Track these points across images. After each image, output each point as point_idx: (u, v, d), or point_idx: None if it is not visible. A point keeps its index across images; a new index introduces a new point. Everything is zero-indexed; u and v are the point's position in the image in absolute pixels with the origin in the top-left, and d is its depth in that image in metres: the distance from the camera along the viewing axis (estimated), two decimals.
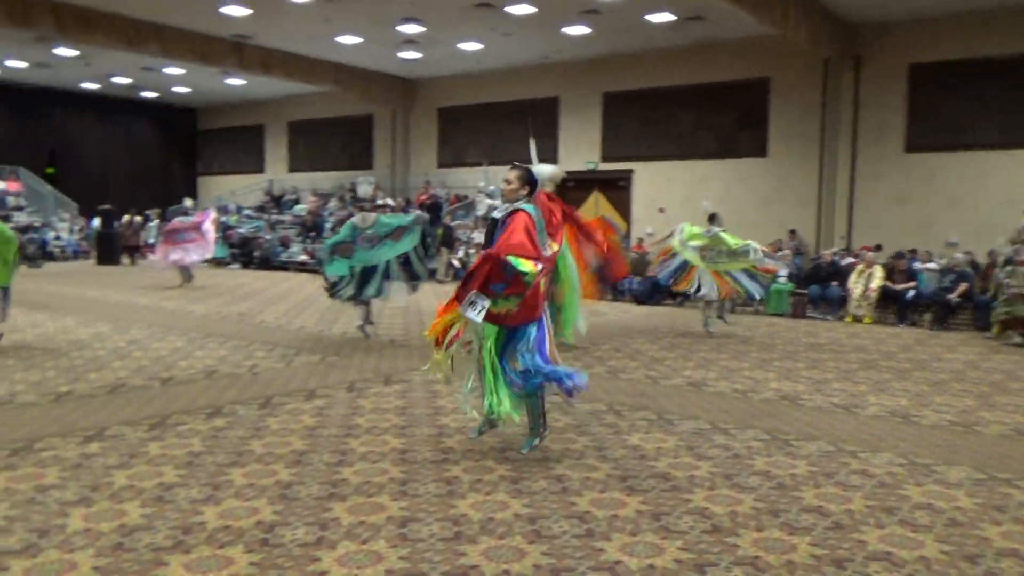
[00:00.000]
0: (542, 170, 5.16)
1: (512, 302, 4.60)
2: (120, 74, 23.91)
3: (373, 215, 9.47)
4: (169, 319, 11.04)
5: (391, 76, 22.46)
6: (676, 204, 18.72)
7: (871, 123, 16.01)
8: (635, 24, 16.24)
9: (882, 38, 15.70)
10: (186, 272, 15.83)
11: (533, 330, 4.78)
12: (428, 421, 5.74)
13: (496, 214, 5.05)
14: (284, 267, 21.52)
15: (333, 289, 9.43)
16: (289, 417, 5.77)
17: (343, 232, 9.35)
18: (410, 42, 18.47)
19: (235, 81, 24.10)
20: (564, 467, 4.73)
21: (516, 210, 4.79)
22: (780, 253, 14.30)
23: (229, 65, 19.25)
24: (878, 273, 12.56)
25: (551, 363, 4.81)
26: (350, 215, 22.28)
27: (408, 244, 9.20)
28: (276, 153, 27.85)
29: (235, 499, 4.08)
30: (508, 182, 4.96)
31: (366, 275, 9.17)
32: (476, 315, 4.48)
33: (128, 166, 29.05)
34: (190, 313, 11.76)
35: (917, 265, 13.14)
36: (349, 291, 9.30)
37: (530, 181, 4.93)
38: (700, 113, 18.31)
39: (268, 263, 21.69)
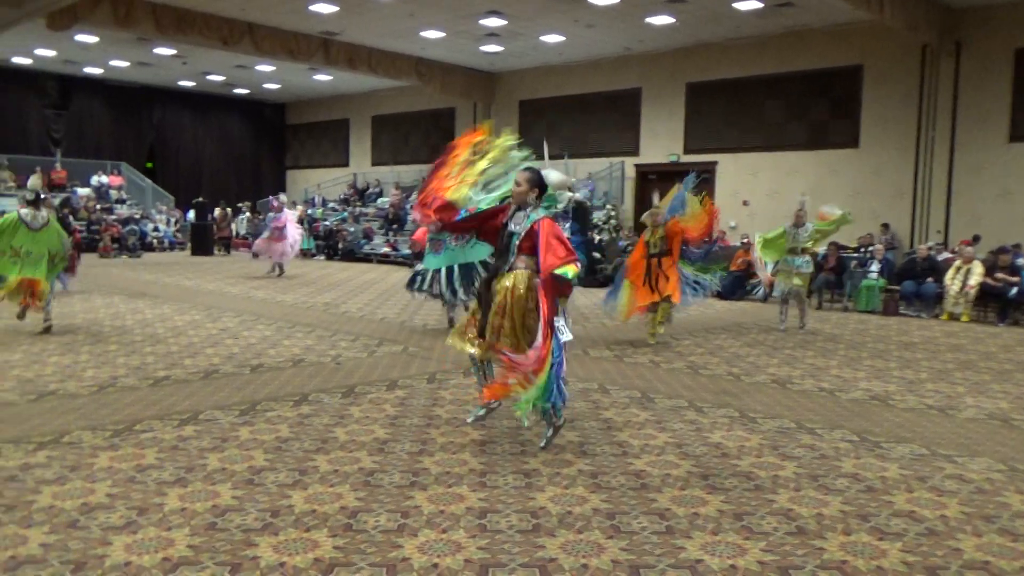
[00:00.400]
0: (549, 175, 5.30)
1: (562, 304, 4.83)
2: (215, 72, 24.85)
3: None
4: (258, 308, 11.43)
5: (473, 69, 22.62)
6: (762, 197, 18.27)
7: (972, 111, 15.24)
8: (722, 12, 15.88)
9: (985, 22, 14.90)
10: (279, 266, 16.44)
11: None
12: (507, 413, 5.77)
13: (513, 226, 5.01)
14: (367, 259, 21.99)
15: (411, 283, 9.71)
16: (372, 406, 5.90)
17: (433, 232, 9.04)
18: (492, 35, 18.55)
19: (322, 77, 24.72)
20: (643, 463, 4.69)
21: (540, 219, 4.85)
22: (873, 248, 13.80)
23: (317, 61, 19.77)
24: (977, 269, 11.96)
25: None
26: None
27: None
28: (360, 147, 28.45)
29: (320, 484, 4.20)
30: (518, 184, 4.99)
31: (450, 273, 9.15)
32: (565, 336, 4.72)
33: (220, 160, 30.21)
34: (278, 303, 12.15)
35: (1020, 261, 12.44)
36: (428, 288, 9.45)
37: (539, 184, 4.99)
38: (789, 103, 17.78)
39: (352, 255, 22.21)
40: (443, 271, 9.15)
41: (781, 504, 4.08)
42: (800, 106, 17.63)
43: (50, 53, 22.31)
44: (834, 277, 13.72)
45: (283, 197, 18.72)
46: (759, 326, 10.92)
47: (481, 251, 8.55)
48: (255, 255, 17.80)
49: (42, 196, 8.97)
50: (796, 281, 10.35)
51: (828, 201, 17.06)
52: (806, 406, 6.26)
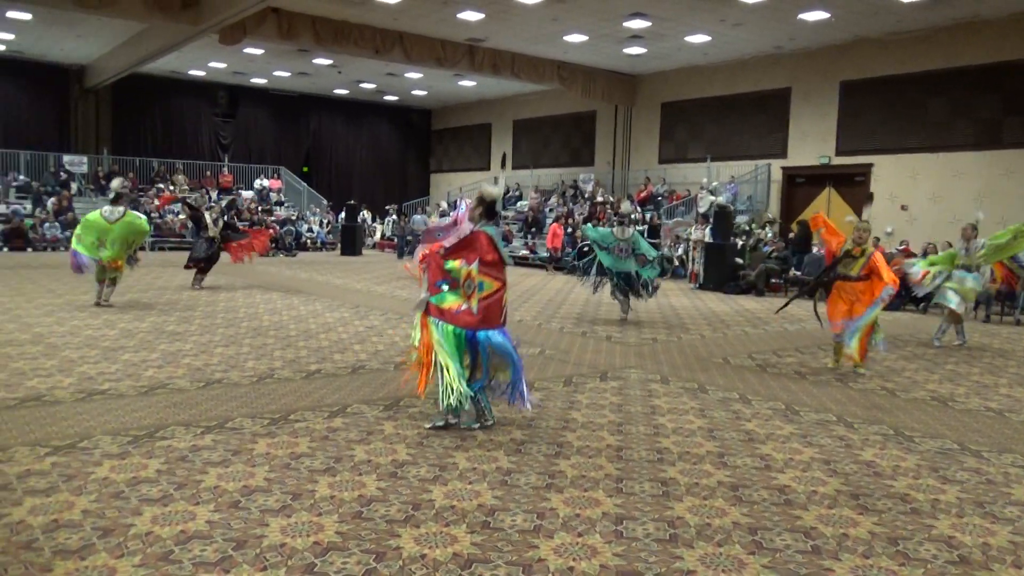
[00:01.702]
0: (481, 188, 5.57)
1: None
2: (367, 80, 26.04)
3: (631, 229, 10.88)
4: (403, 307, 11.84)
5: (614, 72, 22.51)
6: (923, 201, 17.12)
7: None
8: (881, 5, 15.02)
9: None
10: None
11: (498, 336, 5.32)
12: (644, 420, 5.71)
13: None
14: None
15: (579, 264, 11.18)
16: (508, 408, 5.97)
17: (602, 233, 10.94)
18: (636, 37, 18.39)
19: (466, 83, 25.36)
20: (788, 478, 4.51)
21: (478, 231, 5.30)
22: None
23: (462, 68, 20.31)
24: None
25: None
26: (570, 211, 22.69)
27: (644, 271, 10.68)
28: (502, 151, 28.93)
29: (459, 481, 4.30)
30: (470, 204, 5.50)
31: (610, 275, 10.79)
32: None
33: (370, 164, 31.63)
34: None
35: None
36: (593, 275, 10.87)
37: (482, 203, 5.39)
38: (955, 99, 16.57)
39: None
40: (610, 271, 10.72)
41: (941, 530, 3.81)
42: (969, 103, 16.37)
43: (221, 65, 24.16)
44: (1006, 288, 12.64)
45: (443, 204, 19.42)
46: (917, 339, 10.24)
47: (630, 265, 10.65)
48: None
49: (121, 194, 10.89)
50: (962, 293, 9.54)
51: (999, 205, 15.85)
52: (971, 427, 5.81)
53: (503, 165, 7.21)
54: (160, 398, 5.90)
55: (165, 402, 5.78)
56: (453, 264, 5.27)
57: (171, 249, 23.26)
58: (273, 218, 25.26)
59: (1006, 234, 9.63)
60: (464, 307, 5.25)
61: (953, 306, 9.50)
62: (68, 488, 4.00)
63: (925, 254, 14.22)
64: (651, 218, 20.53)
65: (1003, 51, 15.66)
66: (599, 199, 22.81)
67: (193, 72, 25.64)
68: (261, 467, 4.42)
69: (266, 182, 27.90)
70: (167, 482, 4.13)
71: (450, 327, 5.25)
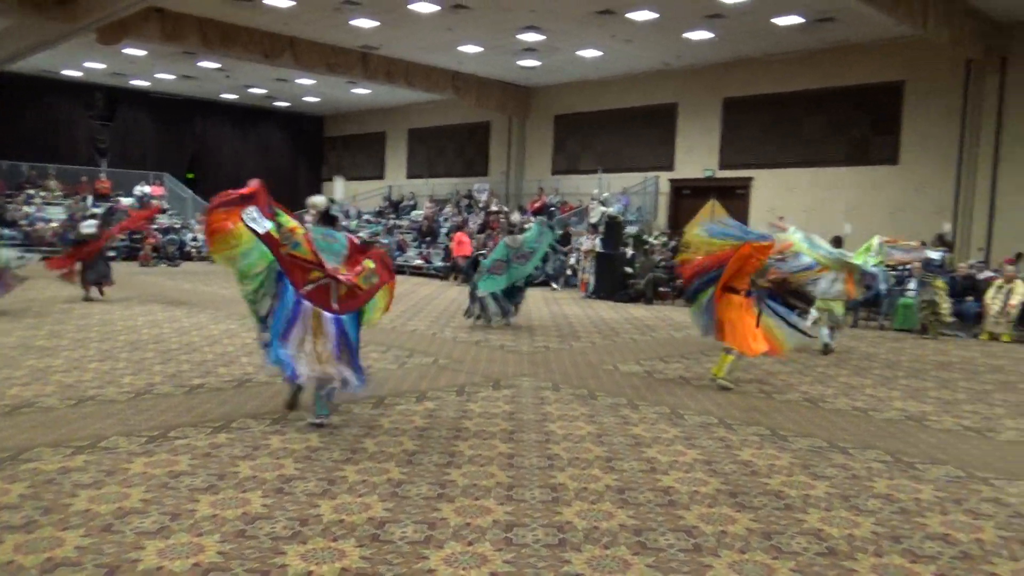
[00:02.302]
0: (313, 201, 6.15)
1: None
2: (256, 85, 25.36)
3: (520, 236, 11.41)
4: None
5: (509, 84, 22.77)
6: (799, 213, 18.00)
7: (1017, 127, 14.96)
8: (761, 28, 15.81)
9: None
10: None
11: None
12: (535, 427, 5.78)
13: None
14: (400, 271, 22.13)
15: (481, 313, 11.26)
16: (401, 417, 5.94)
17: (498, 252, 11.31)
18: (530, 50, 18.67)
19: (360, 90, 25.07)
20: (672, 479, 4.66)
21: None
22: (911, 266, 13.56)
23: (355, 75, 20.07)
24: (1019, 288, 11.69)
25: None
26: (466, 220, 22.76)
27: (545, 244, 11.28)
28: (396, 160, 28.76)
29: (348, 494, 4.23)
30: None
31: (514, 291, 11.28)
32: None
33: (259, 172, 30.27)
34: None
35: None
36: (497, 313, 11.22)
37: (320, 213, 5.99)
38: (828, 118, 17.62)
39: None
40: (505, 290, 11.12)
41: (811, 524, 4.02)
42: (840, 122, 17.45)
43: (99, 66, 22.98)
44: (871, 295, 13.48)
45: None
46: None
47: (535, 260, 11.25)
48: None
49: None
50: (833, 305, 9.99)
51: (867, 218, 16.92)
52: (839, 425, 6.17)
53: (336, 176, 7.13)
54: (25, 418, 5.54)
55: (31, 422, 5.43)
56: (283, 217, 5.51)
57: (42, 259, 21.93)
58: (155, 226, 24.18)
59: (861, 258, 9.90)
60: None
61: (826, 340, 9.79)
62: None
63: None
64: (566, 227, 20.83)
65: (871, 74, 16.78)
66: (493, 208, 22.96)
67: (68, 72, 24.29)
68: (137, 488, 4.22)
69: (147, 188, 26.68)
70: (32, 507, 3.89)
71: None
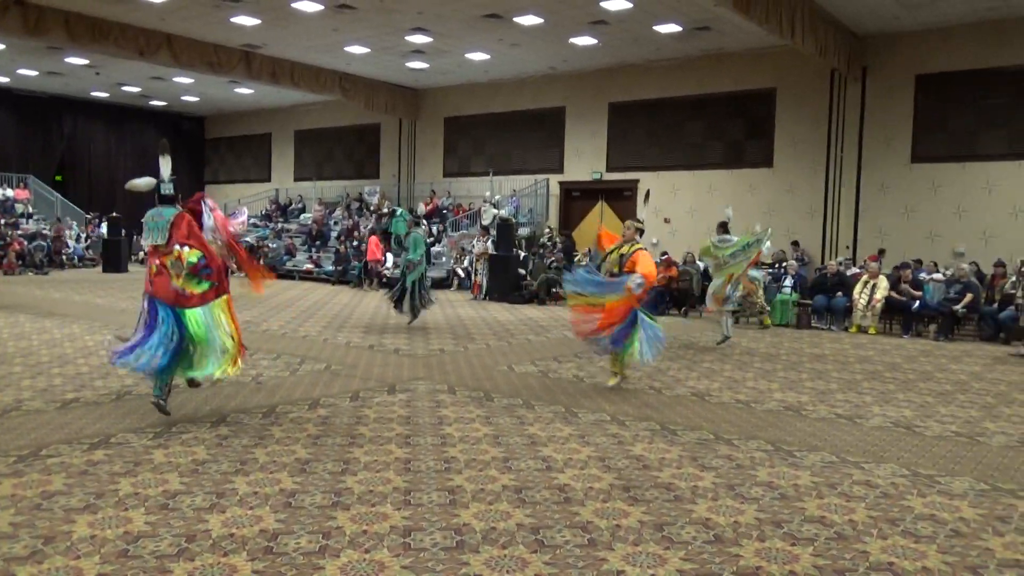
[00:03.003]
0: (135, 183, 6.32)
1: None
2: (130, 83, 24.12)
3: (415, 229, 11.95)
4: None
5: (398, 86, 22.58)
6: (683, 214, 18.74)
7: (877, 134, 16.03)
8: (642, 35, 16.31)
9: (889, 48, 15.73)
10: None
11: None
12: (432, 430, 5.76)
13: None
14: (290, 275, 21.59)
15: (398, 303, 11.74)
16: (293, 426, 5.79)
17: (420, 250, 11.74)
18: (418, 52, 18.58)
19: (243, 90, 24.27)
20: (568, 477, 4.74)
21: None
22: (787, 263, 14.32)
23: (238, 74, 19.40)
24: (883, 283, 12.54)
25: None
26: (356, 224, 22.41)
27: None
28: (282, 162, 28.00)
29: (239, 507, 4.10)
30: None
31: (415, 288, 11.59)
32: None
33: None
34: None
35: (923, 276, 13.12)
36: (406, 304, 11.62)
37: (151, 191, 6.09)
38: (707, 123, 18.35)
39: (273, 271, 21.73)
40: (416, 285, 11.56)
41: (700, 514, 4.18)
42: (718, 126, 18.21)
43: None
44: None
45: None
46: (679, 341, 11.17)
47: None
48: None
49: None
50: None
51: (744, 218, 17.72)
52: (724, 418, 6.44)
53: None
54: None
55: None
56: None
57: None
58: (20, 232, 22.64)
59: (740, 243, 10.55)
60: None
61: (727, 333, 10.69)
62: None
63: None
64: (438, 231, 20.79)
65: (745, 81, 17.60)
66: (384, 211, 22.71)
67: None
68: (5, 511, 3.94)
69: (10, 192, 24.96)
70: None
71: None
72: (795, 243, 16.69)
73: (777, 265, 15.08)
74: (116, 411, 6.10)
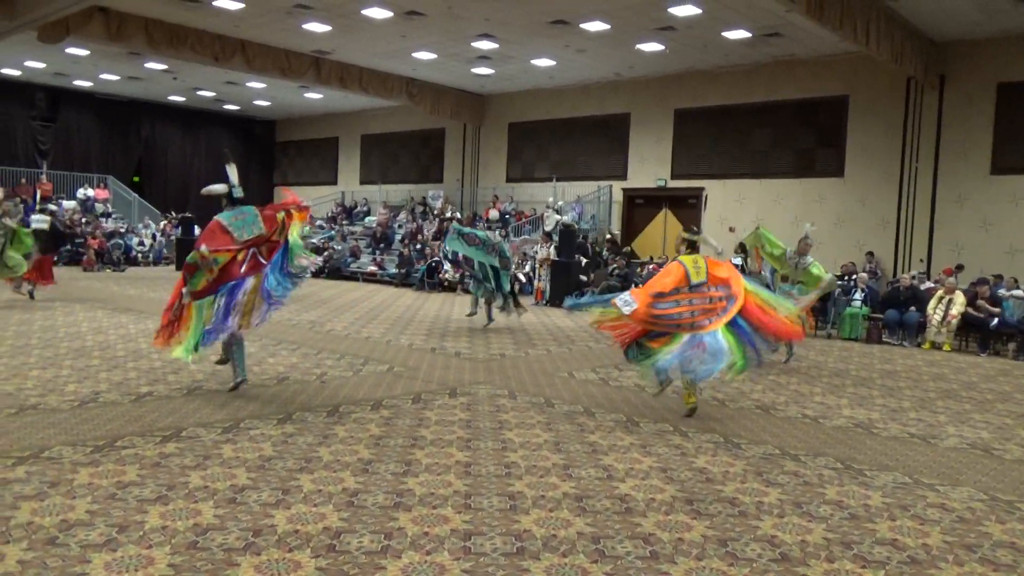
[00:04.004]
0: (212, 189, 7.02)
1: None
2: (205, 88, 24.87)
3: (499, 240, 12.19)
4: None
5: (463, 91, 22.76)
6: (748, 224, 18.38)
7: (955, 143, 15.48)
8: (711, 41, 16.10)
9: (969, 56, 15.19)
10: None
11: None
12: (492, 435, 5.77)
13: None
14: (353, 277, 21.94)
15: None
16: (356, 426, 5.87)
17: (479, 232, 12.00)
18: (483, 58, 18.69)
19: (313, 95, 24.79)
20: (629, 487, 4.69)
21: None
22: (856, 276, 13.94)
23: (308, 79, 19.83)
24: (959, 299, 12.08)
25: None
26: (420, 228, 22.64)
27: (503, 274, 11.80)
28: (349, 165, 28.50)
29: (303, 504, 4.16)
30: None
31: (483, 268, 11.75)
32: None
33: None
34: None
35: (1002, 292, 12.59)
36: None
37: (223, 195, 6.89)
38: (776, 131, 18.00)
39: (338, 273, 22.15)
40: (477, 264, 11.74)
41: (765, 530, 4.09)
42: (787, 134, 17.84)
43: (40, 65, 22.29)
44: (818, 304, 13.80)
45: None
46: None
47: (492, 259, 11.71)
48: None
49: None
50: None
51: (815, 230, 17.29)
52: (790, 433, 6.29)
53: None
54: None
55: None
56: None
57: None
58: (99, 230, 23.54)
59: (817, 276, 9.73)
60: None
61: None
62: None
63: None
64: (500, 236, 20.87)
65: (816, 88, 17.21)
66: (448, 215, 22.92)
67: (7, 71, 23.50)
68: (82, 499, 4.08)
69: (91, 192, 25.97)
70: None
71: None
72: (870, 253, 16.22)
73: (847, 277, 14.68)
74: (187, 405, 6.27)
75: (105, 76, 23.57)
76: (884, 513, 4.43)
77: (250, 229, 6.52)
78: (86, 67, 22.32)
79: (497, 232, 12.43)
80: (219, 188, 6.89)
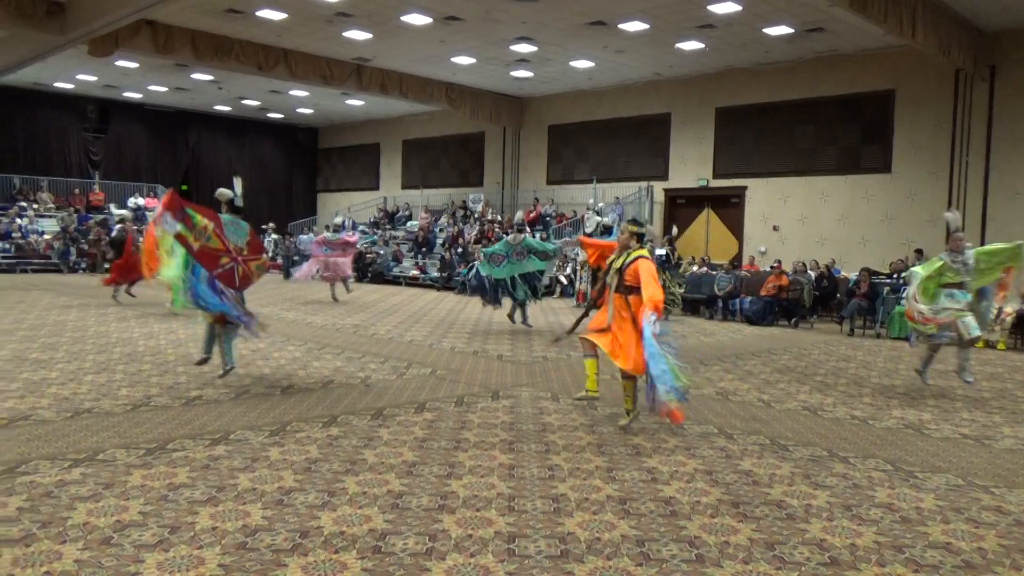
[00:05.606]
0: (222, 192, 7.71)
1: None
2: (250, 97, 25.35)
3: (521, 235, 12.03)
4: (288, 329, 11.53)
5: (502, 94, 22.82)
6: (792, 222, 18.15)
7: (1007, 136, 15.05)
8: (751, 38, 15.91)
9: (1021, 45, 14.76)
10: (343, 285, 16.46)
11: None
12: (535, 437, 5.77)
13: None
14: (396, 281, 22.14)
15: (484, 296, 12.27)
16: (400, 428, 5.92)
17: (499, 246, 12.14)
18: (522, 61, 18.72)
19: (354, 102, 25.10)
20: (673, 489, 4.65)
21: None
22: (906, 273, 13.60)
23: (349, 86, 20.09)
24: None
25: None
26: (461, 231, 22.77)
27: (544, 264, 11.93)
28: (390, 171, 28.77)
29: (349, 506, 4.21)
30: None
31: (514, 282, 11.86)
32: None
33: (254, 183, 30.66)
34: (308, 324, 12.26)
35: None
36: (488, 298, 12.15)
37: (227, 200, 7.65)
38: (819, 127, 17.70)
39: (381, 277, 22.37)
40: (508, 280, 11.84)
41: (814, 534, 4.02)
42: (831, 131, 17.53)
43: (91, 78, 22.95)
44: (866, 303, 13.55)
45: (338, 219, 19.13)
46: (790, 352, 10.80)
47: (537, 263, 11.83)
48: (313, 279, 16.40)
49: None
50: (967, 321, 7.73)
51: (859, 226, 17.01)
52: (838, 434, 6.18)
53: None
54: (22, 431, 5.50)
55: (27, 435, 5.39)
56: (197, 218, 6.98)
57: (35, 271, 21.86)
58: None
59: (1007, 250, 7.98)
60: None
61: (977, 333, 7.75)
62: None
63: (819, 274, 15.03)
64: (540, 239, 20.85)
65: (860, 83, 16.88)
66: (489, 218, 23.00)
67: (59, 84, 24.25)
68: (135, 500, 4.19)
69: (141, 200, 26.62)
70: (29, 520, 3.85)
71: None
72: (919, 251, 15.84)
73: (896, 275, 14.36)
74: (235, 409, 6.39)
75: (153, 87, 24.17)
76: (937, 516, 4.32)
77: (237, 239, 7.27)
78: (135, 79, 22.90)
79: (513, 232, 12.37)
80: (228, 193, 7.65)
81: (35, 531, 3.72)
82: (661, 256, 14.41)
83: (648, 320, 5.69)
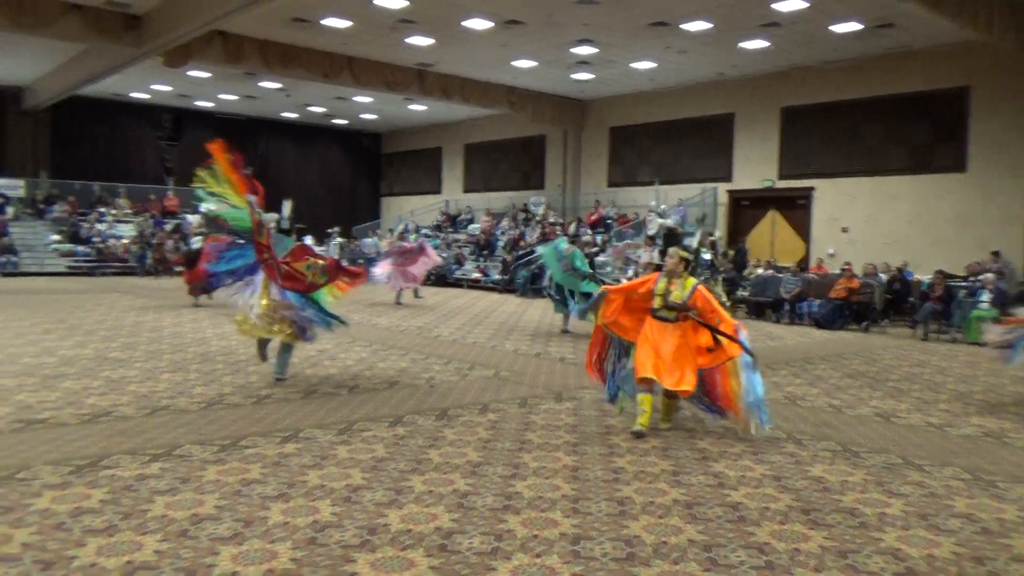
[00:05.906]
0: (268, 216, 8.04)
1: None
2: (316, 104, 25.91)
3: (573, 248, 11.99)
4: (354, 331, 11.70)
5: (563, 97, 22.81)
6: (861, 223, 17.68)
7: None
8: (818, 35, 15.56)
9: None
10: (415, 291, 16.76)
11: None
12: (599, 440, 5.74)
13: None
14: (458, 284, 22.31)
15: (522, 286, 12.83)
16: (464, 429, 5.96)
17: (549, 249, 12.14)
18: (583, 63, 18.69)
19: (417, 107, 25.42)
20: (741, 495, 4.58)
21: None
22: (983, 276, 13.16)
23: (412, 92, 20.38)
24: None
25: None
26: (522, 234, 22.81)
27: (585, 285, 11.45)
28: (452, 174, 29.02)
29: (415, 504, 4.26)
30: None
31: (560, 290, 11.90)
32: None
33: (320, 188, 31.35)
34: (373, 326, 12.45)
35: None
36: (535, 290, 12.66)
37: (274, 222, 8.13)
38: (889, 126, 17.20)
39: (443, 280, 22.58)
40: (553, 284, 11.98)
41: (888, 543, 3.90)
42: (901, 129, 17.03)
43: (165, 88, 23.80)
44: (941, 307, 13.10)
45: (400, 226, 19.46)
46: (861, 357, 10.51)
47: (574, 282, 11.63)
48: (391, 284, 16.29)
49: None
50: None
51: (931, 227, 16.44)
52: (913, 441, 5.99)
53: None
54: (104, 426, 5.73)
55: (109, 430, 5.61)
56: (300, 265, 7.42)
57: (113, 274, 22.72)
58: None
59: None
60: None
61: None
62: (6, 521, 3.85)
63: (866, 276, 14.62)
64: (602, 241, 20.76)
65: (931, 80, 16.35)
66: (550, 221, 23.00)
67: (136, 95, 25.20)
68: (211, 494, 4.32)
69: (212, 207, 27.43)
70: (112, 512, 4.01)
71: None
72: (996, 252, 15.26)
73: (972, 278, 13.85)
74: (304, 407, 6.53)
75: (224, 96, 24.93)
76: (1020, 528, 4.15)
77: (281, 251, 7.56)
78: (207, 88, 23.66)
79: (562, 239, 12.40)
80: (272, 216, 8.11)
81: (117, 522, 3.88)
82: (706, 260, 14.12)
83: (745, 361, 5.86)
